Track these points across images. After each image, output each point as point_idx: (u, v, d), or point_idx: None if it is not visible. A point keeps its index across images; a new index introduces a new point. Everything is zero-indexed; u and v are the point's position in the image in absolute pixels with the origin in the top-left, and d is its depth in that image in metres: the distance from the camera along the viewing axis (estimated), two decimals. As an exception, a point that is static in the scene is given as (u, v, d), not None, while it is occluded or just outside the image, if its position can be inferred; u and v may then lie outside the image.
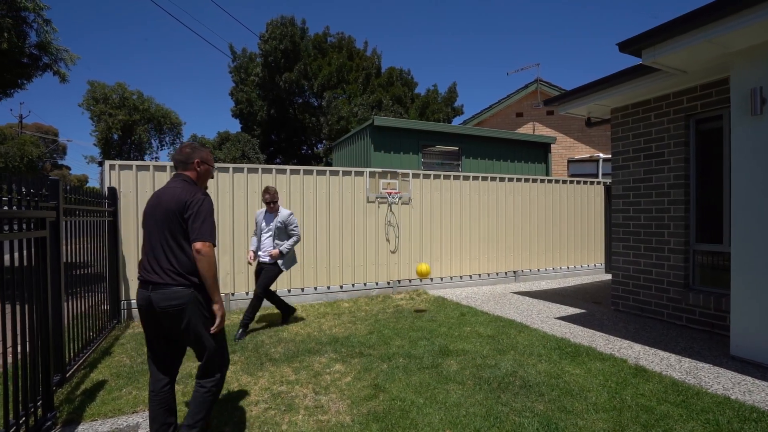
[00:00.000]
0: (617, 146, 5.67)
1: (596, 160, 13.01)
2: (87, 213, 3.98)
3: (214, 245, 2.16)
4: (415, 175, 7.04)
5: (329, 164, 18.29)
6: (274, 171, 6.00)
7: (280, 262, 4.68)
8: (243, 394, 3.07)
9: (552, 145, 11.37)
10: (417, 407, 2.81)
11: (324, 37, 21.15)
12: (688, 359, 3.72)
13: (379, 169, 6.76)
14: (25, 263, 2.52)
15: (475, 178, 7.56)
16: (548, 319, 5.20)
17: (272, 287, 4.93)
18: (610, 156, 6.98)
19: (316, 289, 6.28)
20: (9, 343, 2.33)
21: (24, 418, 2.36)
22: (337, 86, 19.80)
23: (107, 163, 5.20)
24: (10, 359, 2.29)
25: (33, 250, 2.60)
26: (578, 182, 8.69)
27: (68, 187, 3.53)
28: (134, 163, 5.27)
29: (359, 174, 6.58)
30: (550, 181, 8.34)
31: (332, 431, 2.55)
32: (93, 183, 43.60)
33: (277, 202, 4.72)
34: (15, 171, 23.22)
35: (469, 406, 2.81)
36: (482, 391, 3.06)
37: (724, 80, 4.37)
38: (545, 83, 14.19)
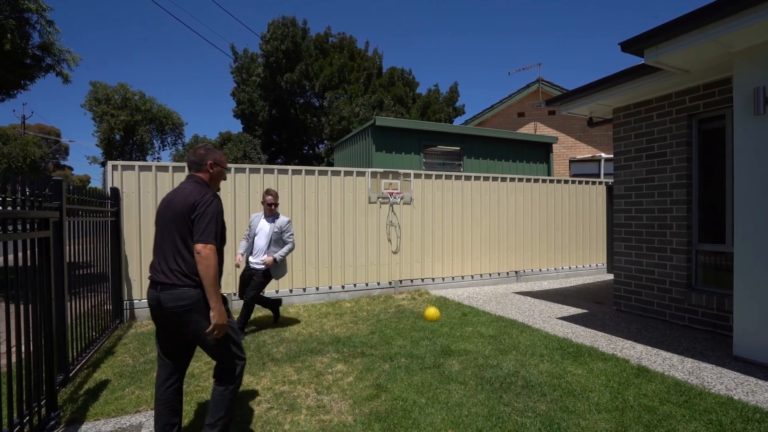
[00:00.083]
0: (619, 146, 5.66)
1: (598, 160, 12.98)
2: (90, 213, 3.99)
3: (218, 248, 2.13)
4: (417, 175, 7.04)
5: (330, 164, 18.31)
6: (275, 171, 6.01)
7: (274, 272, 4.60)
8: (245, 393, 3.07)
9: (554, 145, 11.35)
10: (419, 407, 2.81)
11: (325, 37, 21.16)
12: (690, 359, 3.71)
13: (381, 169, 6.77)
14: (29, 263, 2.53)
15: (477, 178, 7.56)
16: (550, 319, 5.19)
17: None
18: (612, 156, 6.97)
19: (317, 289, 6.29)
20: (13, 342, 2.34)
21: (28, 418, 2.38)
22: (338, 86, 19.80)
23: (110, 163, 5.21)
24: (14, 359, 2.30)
25: (36, 250, 2.61)
26: (580, 182, 8.68)
27: (71, 188, 3.54)
28: (136, 163, 5.29)
29: (361, 174, 6.59)
30: (551, 181, 8.33)
31: (334, 431, 2.55)
32: (95, 183, 43.75)
33: (278, 205, 4.71)
34: (18, 171, 23.31)
35: (471, 406, 2.81)
36: (484, 391, 3.06)
37: (727, 80, 4.36)
38: (547, 83, 14.17)
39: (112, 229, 4.88)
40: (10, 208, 2.30)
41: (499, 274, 7.79)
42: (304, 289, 6.21)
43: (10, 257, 2.36)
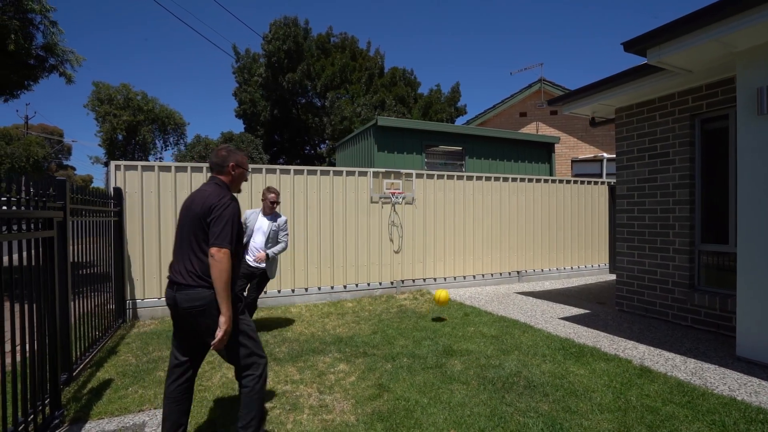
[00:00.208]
0: (622, 146, 5.65)
1: (600, 160, 12.96)
2: (93, 213, 4.01)
3: (233, 251, 2.13)
4: (419, 175, 7.04)
5: (332, 164, 18.32)
6: (278, 171, 6.02)
7: (268, 270, 4.54)
8: (248, 393, 3.08)
9: (556, 145, 11.33)
10: (421, 407, 2.82)
11: (327, 37, 21.17)
12: (693, 360, 3.70)
13: (383, 169, 6.77)
14: (33, 263, 2.55)
15: (479, 178, 7.55)
16: (552, 319, 5.19)
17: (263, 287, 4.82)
18: (614, 156, 6.97)
19: (320, 289, 6.30)
20: (17, 341, 2.35)
21: (32, 416, 2.39)
22: (340, 86, 19.81)
23: (113, 163, 5.23)
24: (18, 358, 2.31)
25: (41, 249, 2.63)
26: (582, 182, 8.67)
27: (75, 188, 3.56)
28: (139, 163, 5.31)
29: (363, 174, 6.59)
30: (553, 181, 8.31)
31: (337, 430, 2.56)
32: (98, 183, 43.87)
33: (280, 203, 4.69)
34: (21, 171, 23.41)
35: (473, 406, 2.81)
36: (486, 391, 3.06)
37: (730, 79, 4.34)
38: (549, 83, 14.15)
39: (115, 229, 4.90)
40: (14, 207, 2.31)
41: (501, 274, 7.78)
42: (306, 289, 6.21)
43: (15, 257, 2.37)
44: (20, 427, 2.24)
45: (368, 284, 6.64)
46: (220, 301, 2.06)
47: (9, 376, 2.46)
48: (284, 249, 4.63)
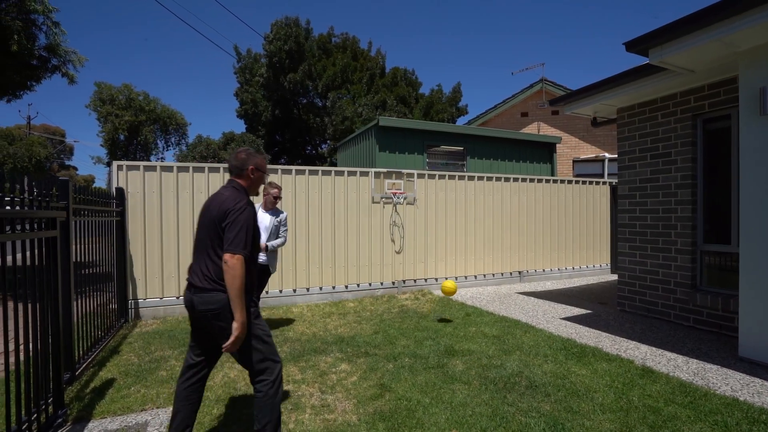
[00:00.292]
0: (623, 146, 5.64)
1: (602, 160, 12.95)
2: (95, 213, 4.02)
3: (248, 256, 2.11)
4: (420, 176, 7.04)
5: (334, 164, 18.32)
6: (279, 171, 6.03)
7: (270, 265, 4.54)
8: (250, 393, 3.09)
9: (557, 145, 11.32)
10: (423, 407, 2.82)
11: (328, 37, 21.19)
12: (695, 360, 3.70)
13: (384, 170, 6.77)
14: (36, 263, 2.56)
15: (480, 178, 7.55)
16: (554, 319, 5.19)
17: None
18: (616, 156, 6.95)
19: (321, 289, 6.30)
20: (21, 341, 2.36)
21: (36, 415, 2.40)
22: (341, 86, 19.82)
23: (115, 163, 5.25)
24: (22, 357, 2.32)
25: (44, 249, 2.64)
26: (584, 182, 8.66)
27: (77, 188, 3.57)
28: (141, 163, 5.32)
29: (364, 174, 6.60)
30: (555, 181, 8.31)
31: (339, 430, 2.56)
32: (99, 183, 43.97)
33: (282, 198, 4.69)
34: (23, 172, 23.49)
35: (475, 406, 2.82)
36: (488, 391, 3.06)
37: (732, 79, 4.34)
38: (550, 83, 14.14)
39: (118, 228, 4.92)
40: (18, 207, 2.32)
41: (502, 274, 7.78)
42: (308, 289, 6.22)
43: (19, 256, 2.38)
44: (24, 426, 2.25)
45: (370, 284, 6.65)
46: (234, 307, 2.04)
47: (13, 375, 2.47)
48: (283, 243, 4.66)
